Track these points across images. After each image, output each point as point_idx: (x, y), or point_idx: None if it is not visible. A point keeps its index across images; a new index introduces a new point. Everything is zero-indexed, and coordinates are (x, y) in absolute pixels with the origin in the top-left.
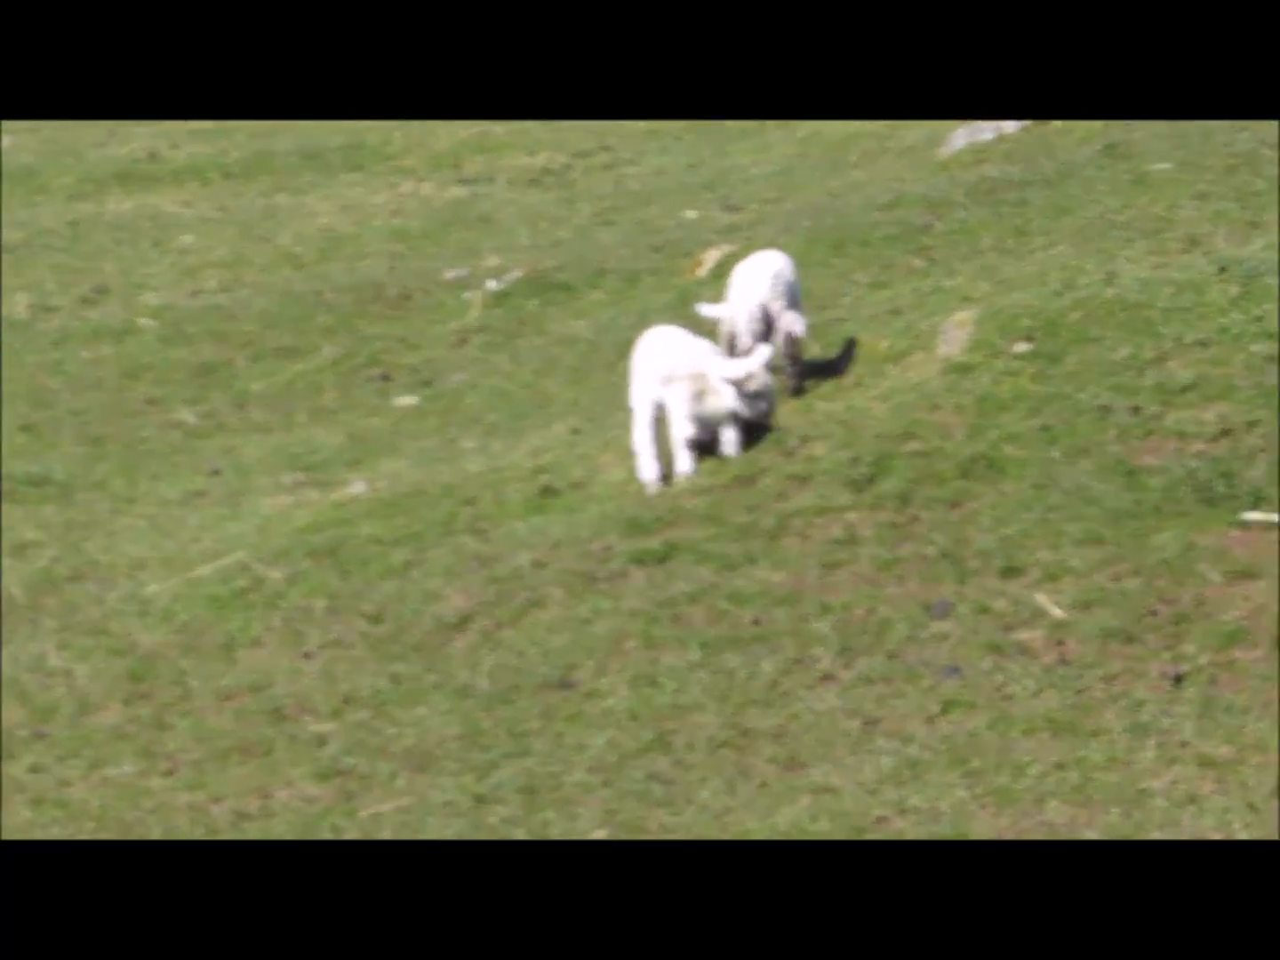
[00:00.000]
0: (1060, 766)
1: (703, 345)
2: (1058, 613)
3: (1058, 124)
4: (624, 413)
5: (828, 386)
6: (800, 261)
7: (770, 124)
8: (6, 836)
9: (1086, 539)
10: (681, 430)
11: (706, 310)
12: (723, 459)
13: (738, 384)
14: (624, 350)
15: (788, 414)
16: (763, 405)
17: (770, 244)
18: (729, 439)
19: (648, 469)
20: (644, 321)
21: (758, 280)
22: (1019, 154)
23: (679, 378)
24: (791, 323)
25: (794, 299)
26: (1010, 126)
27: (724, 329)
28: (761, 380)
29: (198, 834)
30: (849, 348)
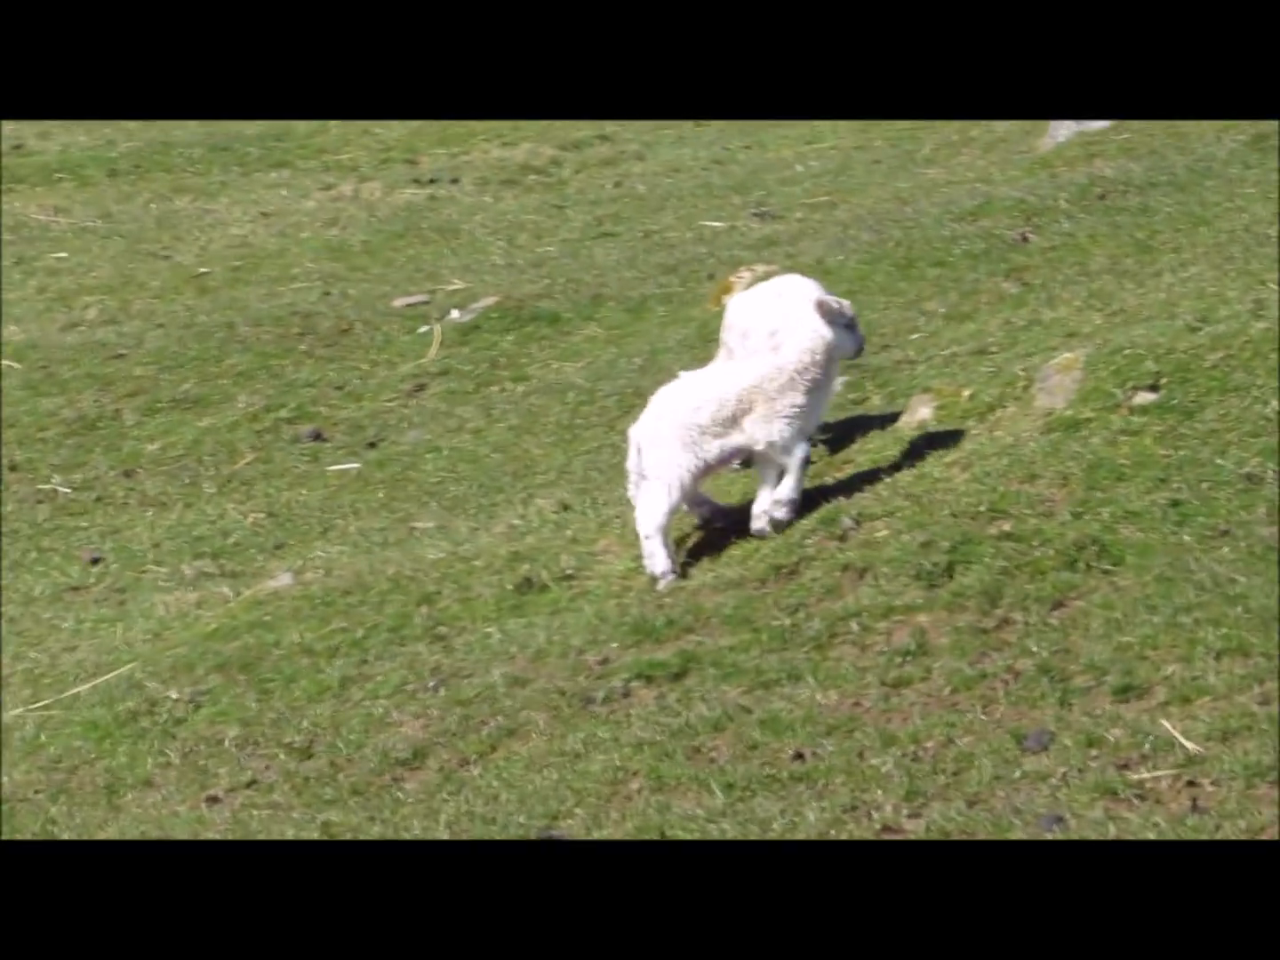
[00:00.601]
0: None
1: (762, 363)
2: (1190, 745)
3: None
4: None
5: (892, 449)
6: (859, 286)
7: None
8: None
9: (1227, 649)
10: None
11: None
12: (748, 540)
13: (836, 317)
14: (627, 402)
15: (839, 484)
16: (861, 333)
17: (818, 264)
18: (792, 479)
19: (660, 558)
20: (654, 364)
21: (791, 309)
22: (1141, 146)
23: (755, 409)
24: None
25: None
26: None
27: None
28: (849, 305)
29: None
30: (921, 397)
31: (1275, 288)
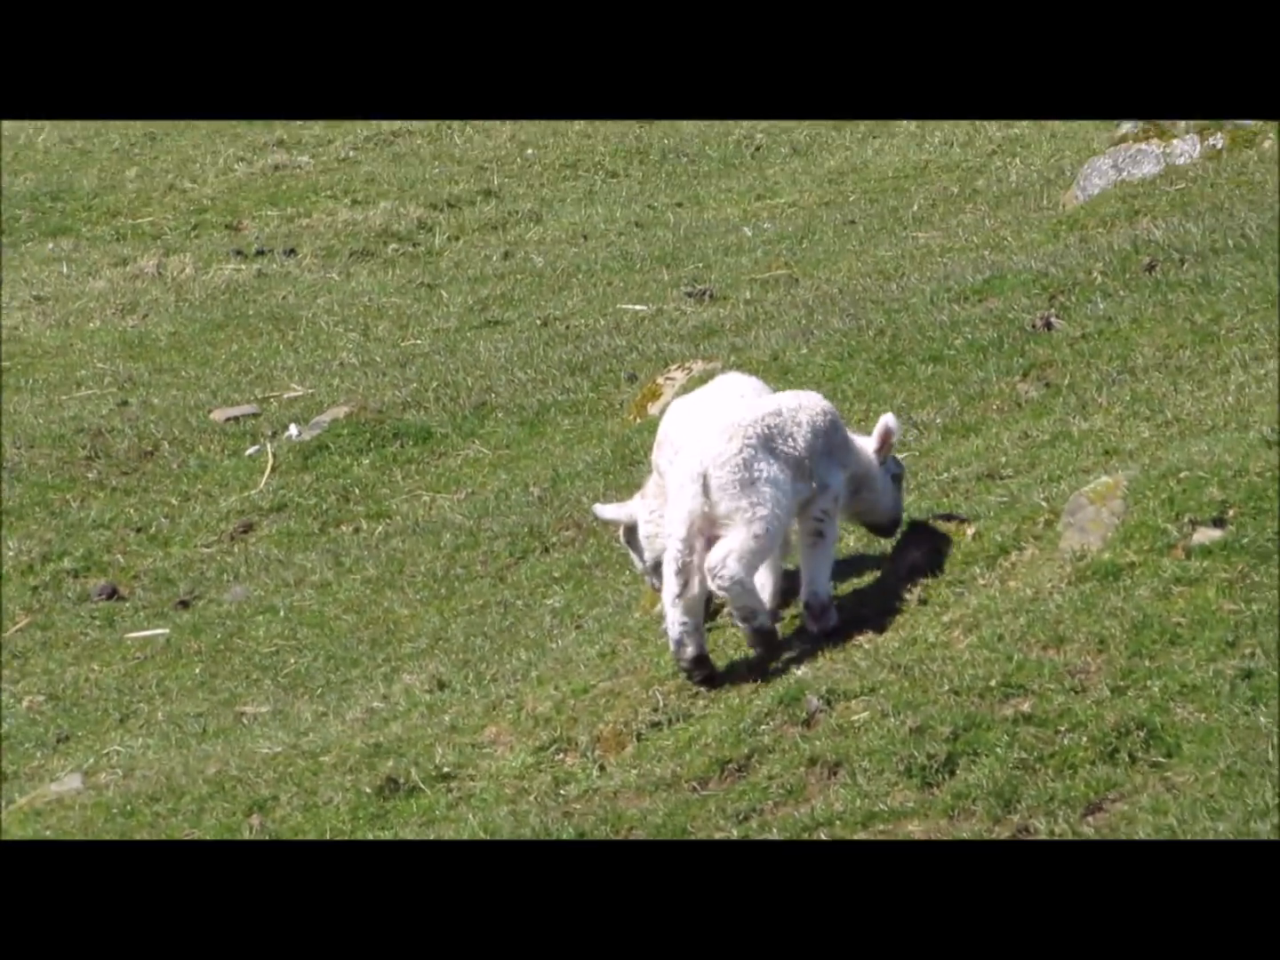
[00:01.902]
0: None
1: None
2: None
3: (1267, 143)
4: (524, 649)
5: (872, 604)
6: (829, 389)
7: (774, 153)
8: None
9: None
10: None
11: (606, 512)
12: (687, 722)
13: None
14: (521, 545)
15: (802, 651)
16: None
17: (774, 360)
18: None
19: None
20: (556, 495)
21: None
22: (1200, 199)
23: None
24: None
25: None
26: (1185, 150)
27: (645, 533)
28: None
29: None
30: (912, 537)
31: None
